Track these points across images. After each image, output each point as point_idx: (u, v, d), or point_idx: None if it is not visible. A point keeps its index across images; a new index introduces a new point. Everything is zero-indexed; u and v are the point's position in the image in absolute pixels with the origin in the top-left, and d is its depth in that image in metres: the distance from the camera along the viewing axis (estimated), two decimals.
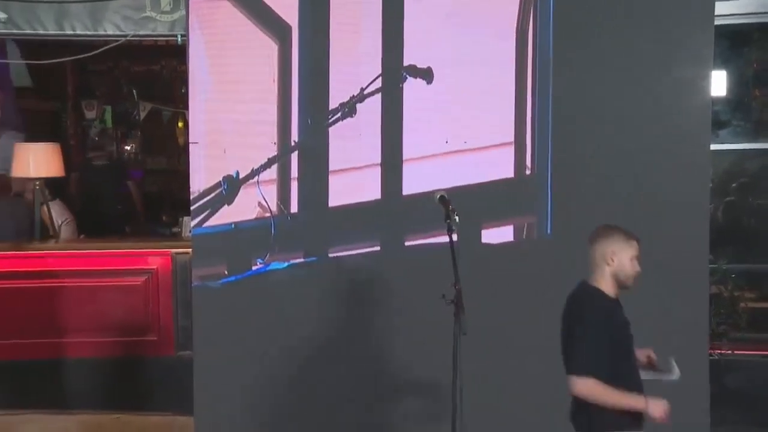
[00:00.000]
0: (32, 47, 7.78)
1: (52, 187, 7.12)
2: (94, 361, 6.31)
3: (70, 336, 6.32)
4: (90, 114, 10.51)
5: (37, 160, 6.72)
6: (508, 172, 4.56)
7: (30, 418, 6.09)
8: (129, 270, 6.41)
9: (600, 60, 4.42)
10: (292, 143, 4.38)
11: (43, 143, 6.98)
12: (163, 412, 6.09)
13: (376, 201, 4.49)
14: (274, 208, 4.40)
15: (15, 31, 5.89)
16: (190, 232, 4.88)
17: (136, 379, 6.29)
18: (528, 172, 4.53)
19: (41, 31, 5.84)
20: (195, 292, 4.41)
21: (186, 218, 6.41)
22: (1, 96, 8.30)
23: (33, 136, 7.97)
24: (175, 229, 7.52)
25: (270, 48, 4.36)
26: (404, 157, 4.46)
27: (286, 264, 4.41)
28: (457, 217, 3.70)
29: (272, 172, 4.39)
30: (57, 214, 7.00)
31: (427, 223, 4.29)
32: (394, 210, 4.48)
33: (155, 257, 6.43)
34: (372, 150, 4.45)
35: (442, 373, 3.69)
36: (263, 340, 4.37)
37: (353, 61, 4.39)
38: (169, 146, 11.06)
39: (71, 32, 5.86)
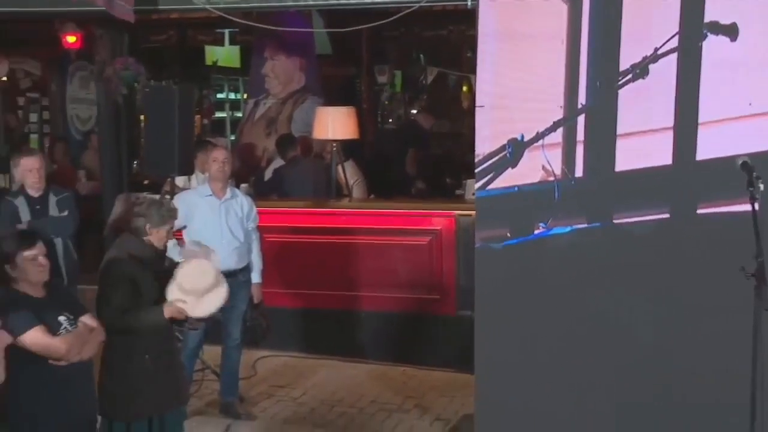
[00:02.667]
0: (333, 16, 8.27)
1: (347, 148, 7.57)
2: (381, 315, 6.66)
3: (359, 289, 6.72)
4: (382, 79, 10.98)
5: (335, 123, 7.17)
6: None
7: (323, 363, 6.59)
8: (415, 230, 6.66)
9: None
10: (579, 106, 4.27)
11: (340, 107, 7.43)
12: (445, 369, 6.31)
13: (666, 166, 4.25)
14: (558, 171, 4.33)
15: (321, 3, 6.31)
16: (473, 194, 4.95)
17: (420, 334, 6.56)
18: None
19: (343, 1, 6.19)
20: (478, 253, 4.45)
21: (469, 181, 6.53)
22: (306, 63, 8.95)
23: (330, 101, 8.52)
24: (458, 191, 7.70)
25: (559, 8, 4.26)
26: (700, 120, 4.18)
27: (568, 229, 4.33)
28: (761, 185, 3.43)
29: (557, 136, 4.30)
30: (350, 174, 7.43)
31: (723, 190, 4.01)
32: (687, 176, 4.23)
33: (440, 218, 6.63)
34: (664, 113, 4.21)
35: (739, 353, 3.46)
36: (544, 305, 4.34)
37: (647, 20, 4.17)
38: (454, 110, 11.29)
39: (369, 1, 6.16)
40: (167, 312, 3.99)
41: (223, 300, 4.20)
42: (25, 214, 5.60)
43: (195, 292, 4.03)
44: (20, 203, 5.64)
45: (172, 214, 4.25)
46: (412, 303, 6.58)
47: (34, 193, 5.71)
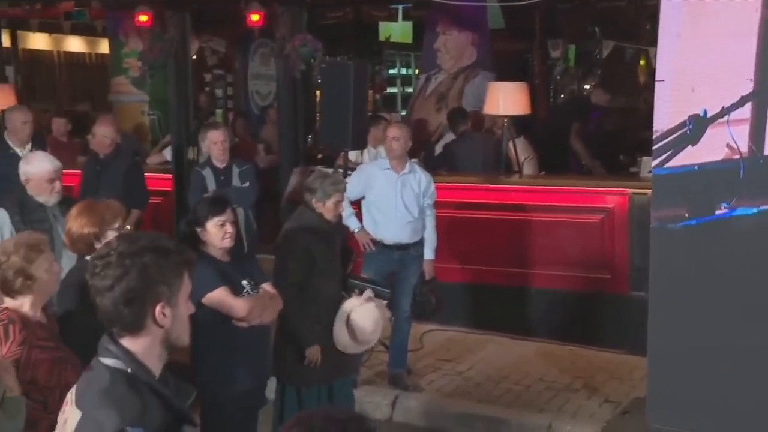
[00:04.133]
0: None
1: (518, 124, 7.49)
2: (550, 292, 6.57)
3: (528, 266, 6.66)
4: (555, 53, 10.76)
5: (506, 99, 7.10)
6: None
7: (489, 339, 6.60)
8: (586, 207, 6.52)
9: None
10: None
11: (512, 82, 7.35)
12: (615, 350, 6.16)
13: None
14: (744, 149, 4.10)
15: None
16: (649, 172, 4.77)
17: (589, 314, 6.42)
18: None
19: None
20: (653, 233, 4.30)
21: (645, 158, 6.29)
22: (478, 38, 8.90)
23: (502, 76, 8.44)
24: (632, 169, 7.45)
25: None
26: None
27: (755, 210, 4.09)
28: None
29: (745, 111, 4.06)
30: (521, 150, 7.35)
31: None
32: None
33: (613, 196, 6.45)
34: None
35: None
36: (724, 289, 4.14)
37: None
38: (629, 84, 10.90)
39: None
40: (311, 352, 4.19)
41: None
42: (211, 184, 5.94)
43: (360, 341, 4.25)
44: (207, 174, 5.99)
45: (338, 187, 4.36)
46: (581, 282, 6.45)
47: (219, 164, 6.04)
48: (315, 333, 4.18)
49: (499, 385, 5.73)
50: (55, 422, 2.04)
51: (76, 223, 3.61)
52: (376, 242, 5.54)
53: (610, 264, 6.42)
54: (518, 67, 10.60)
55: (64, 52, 14.77)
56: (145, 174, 6.79)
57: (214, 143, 6.03)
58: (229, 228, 3.80)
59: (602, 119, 10.42)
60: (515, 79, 7.57)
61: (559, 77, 11.50)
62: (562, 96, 11.52)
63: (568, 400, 5.44)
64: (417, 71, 11.15)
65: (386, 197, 5.46)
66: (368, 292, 4.31)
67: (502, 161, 7.23)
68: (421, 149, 8.26)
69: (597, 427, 5.05)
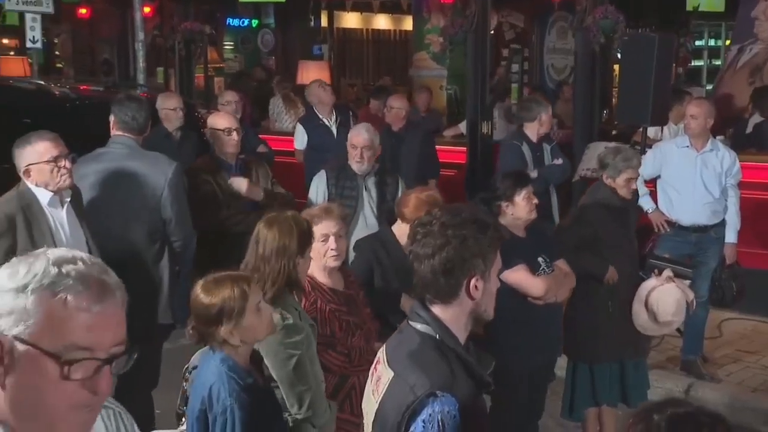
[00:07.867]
0: None
1: None
2: None
3: None
4: None
5: None
6: None
7: None
8: None
9: None
10: None
11: None
12: None
13: None
14: None
15: None
16: None
17: None
18: None
19: None
20: None
21: None
22: None
23: None
24: None
25: None
26: None
27: None
28: None
29: None
30: None
31: None
32: None
33: None
34: None
35: None
36: None
37: None
38: None
39: None
40: (609, 276, 4.07)
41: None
42: (529, 160, 5.83)
43: (661, 322, 4.10)
44: (525, 149, 5.86)
45: (629, 163, 4.18)
46: None
47: (536, 140, 5.90)
48: (605, 264, 4.11)
49: None
50: (362, 377, 2.17)
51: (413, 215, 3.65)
52: (671, 223, 5.29)
53: None
54: None
55: (372, 29, 15.66)
56: (437, 147, 6.93)
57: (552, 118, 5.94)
58: (534, 200, 3.82)
59: None
60: None
61: None
62: None
63: None
64: (728, 42, 10.35)
65: (683, 176, 5.18)
66: (667, 272, 4.12)
67: None
68: (728, 126, 7.70)
69: None
